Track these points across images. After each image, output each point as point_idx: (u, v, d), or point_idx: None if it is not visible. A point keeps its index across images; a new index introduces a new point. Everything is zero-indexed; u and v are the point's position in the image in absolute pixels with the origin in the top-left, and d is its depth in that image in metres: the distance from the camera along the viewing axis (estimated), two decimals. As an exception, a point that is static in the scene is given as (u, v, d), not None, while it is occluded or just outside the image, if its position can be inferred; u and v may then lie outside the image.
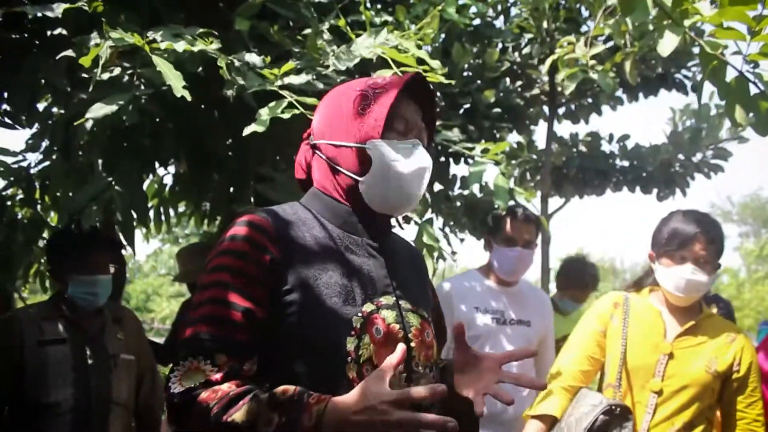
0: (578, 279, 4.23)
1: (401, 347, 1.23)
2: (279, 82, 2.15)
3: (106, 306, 2.75)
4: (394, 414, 1.13)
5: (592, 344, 2.47)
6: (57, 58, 2.11)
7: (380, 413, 1.13)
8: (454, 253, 3.62)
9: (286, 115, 2.07)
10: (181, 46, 1.95)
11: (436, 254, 3.13)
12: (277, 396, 1.18)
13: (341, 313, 1.29)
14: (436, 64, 2.32)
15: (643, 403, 2.34)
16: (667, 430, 2.30)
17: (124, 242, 2.58)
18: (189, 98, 1.90)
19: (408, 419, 1.14)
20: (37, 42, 2.44)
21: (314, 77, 2.27)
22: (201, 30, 2.12)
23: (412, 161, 1.38)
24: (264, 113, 2.08)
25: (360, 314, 1.31)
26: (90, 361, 2.59)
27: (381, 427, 1.13)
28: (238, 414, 1.16)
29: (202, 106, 2.76)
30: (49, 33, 2.37)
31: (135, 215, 2.49)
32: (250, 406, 1.17)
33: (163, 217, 3.80)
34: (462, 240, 4.15)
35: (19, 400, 2.51)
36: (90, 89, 2.00)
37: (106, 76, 2.02)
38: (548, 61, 3.82)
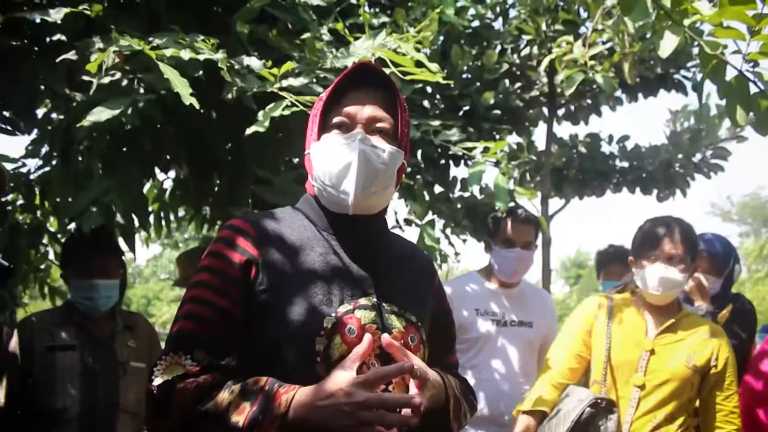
0: (624, 256, 4.32)
1: (367, 337, 1.28)
2: (278, 84, 2.16)
3: (118, 313, 2.75)
4: (360, 395, 1.17)
5: (578, 343, 2.61)
6: (57, 60, 2.12)
7: (346, 395, 1.17)
8: (457, 254, 3.62)
9: (287, 112, 2.08)
10: (186, 54, 1.96)
11: (438, 256, 3.13)
12: (248, 386, 1.24)
13: (313, 313, 1.31)
14: (434, 66, 2.32)
15: (627, 398, 2.47)
16: (649, 422, 2.43)
17: (125, 246, 2.58)
18: (197, 106, 1.91)
19: (374, 399, 1.17)
20: (36, 48, 2.44)
21: (314, 80, 2.27)
22: (202, 37, 2.12)
23: (342, 158, 1.37)
24: (263, 115, 2.09)
25: (333, 315, 1.32)
26: (98, 368, 2.59)
27: (348, 410, 1.17)
28: (211, 404, 1.23)
29: (201, 111, 2.76)
30: (48, 39, 2.37)
31: (136, 219, 2.49)
32: (223, 396, 1.23)
33: (163, 222, 3.80)
34: (464, 241, 4.15)
35: (27, 404, 2.51)
36: (91, 92, 2.00)
37: (107, 80, 2.02)
38: (545, 61, 3.82)
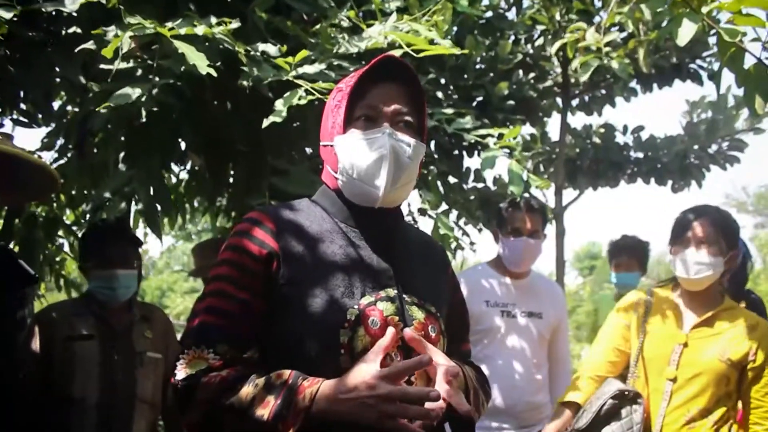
0: (633, 247, 4.40)
1: (390, 331, 1.28)
2: (294, 73, 2.16)
3: (135, 304, 2.78)
4: (382, 387, 1.18)
5: (617, 337, 2.63)
6: (75, 51, 2.13)
7: (369, 388, 1.18)
8: (473, 243, 3.61)
9: (303, 101, 2.08)
10: (201, 30, 1.97)
11: (453, 245, 3.12)
12: (272, 379, 1.24)
13: (336, 306, 1.31)
14: (447, 43, 2.31)
15: (660, 390, 2.46)
16: (682, 415, 2.41)
17: (151, 232, 2.60)
18: (215, 74, 1.94)
19: (396, 392, 1.18)
20: (51, 40, 2.45)
21: (326, 67, 2.27)
22: (216, 20, 2.13)
23: (372, 153, 1.37)
24: (280, 104, 2.09)
25: (356, 307, 1.32)
26: (116, 358, 2.62)
27: (371, 402, 1.18)
28: (236, 398, 1.23)
29: (216, 102, 2.77)
30: (64, 31, 2.39)
31: (159, 207, 2.51)
32: (248, 390, 1.23)
33: (178, 213, 3.82)
34: (480, 230, 4.14)
35: (46, 393, 2.54)
36: (110, 79, 2.01)
37: (123, 65, 2.03)
38: (556, 45, 3.79)
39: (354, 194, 1.43)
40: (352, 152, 1.40)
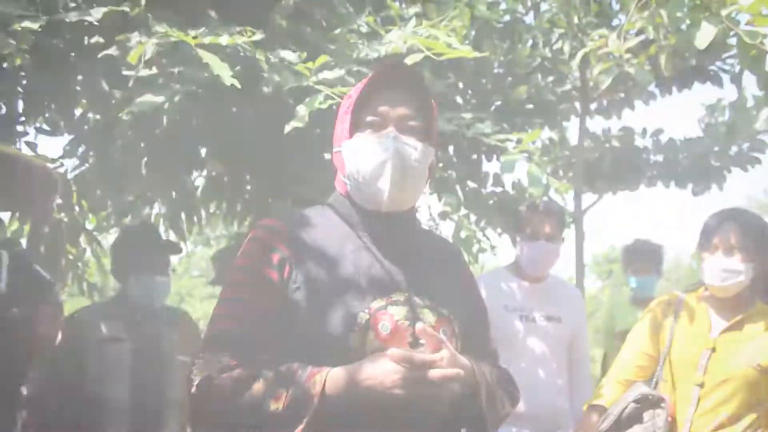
0: (649, 251, 4.38)
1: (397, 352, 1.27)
2: (314, 78, 2.17)
3: (164, 308, 2.82)
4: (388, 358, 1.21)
5: (646, 341, 2.56)
6: (99, 56, 2.16)
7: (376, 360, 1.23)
8: (493, 247, 3.61)
9: (324, 106, 2.10)
10: (224, 39, 1.99)
11: (475, 249, 3.11)
12: (282, 373, 1.25)
13: (347, 309, 1.33)
14: (465, 48, 2.32)
15: (687, 396, 2.39)
16: (710, 421, 2.34)
17: (175, 237, 2.64)
18: (239, 86, 1.96)
19: (402, 355, 1.21)
20: (75, 49, 2.49)
21: (346, 72, 2.29)
22: (239, 28, 2.15)
23: (377, 155, 1.39)
24: (302, 109, 2.10)
25: (366, 311, 1.33)
26: (146, 361, 2.65)
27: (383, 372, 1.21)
28: (248, 395, 1.24)
29: (234, 110, 2.79)
30: (87, 41, 2.42)
31: (183, 213, 2.54)
32: (258, 386, 1.24)
33: (195, 219, 3.85)
34: (500, 234, 4.14)
35: (78, 396, 2.58)
36: (130, 84, 2.03)
37: (145, 72, 2.06)
38: (579, 55, 3.78)
39: (362, 198, 1.45)
40: (357, 156, 1.41)
